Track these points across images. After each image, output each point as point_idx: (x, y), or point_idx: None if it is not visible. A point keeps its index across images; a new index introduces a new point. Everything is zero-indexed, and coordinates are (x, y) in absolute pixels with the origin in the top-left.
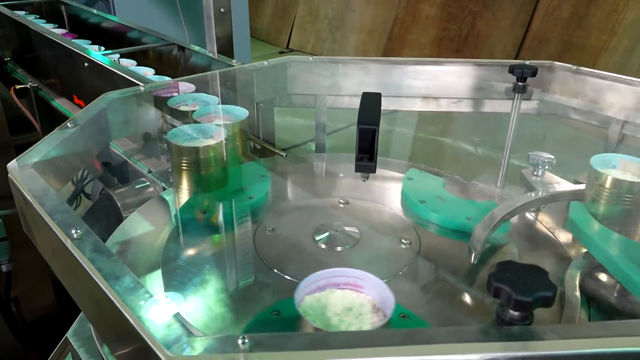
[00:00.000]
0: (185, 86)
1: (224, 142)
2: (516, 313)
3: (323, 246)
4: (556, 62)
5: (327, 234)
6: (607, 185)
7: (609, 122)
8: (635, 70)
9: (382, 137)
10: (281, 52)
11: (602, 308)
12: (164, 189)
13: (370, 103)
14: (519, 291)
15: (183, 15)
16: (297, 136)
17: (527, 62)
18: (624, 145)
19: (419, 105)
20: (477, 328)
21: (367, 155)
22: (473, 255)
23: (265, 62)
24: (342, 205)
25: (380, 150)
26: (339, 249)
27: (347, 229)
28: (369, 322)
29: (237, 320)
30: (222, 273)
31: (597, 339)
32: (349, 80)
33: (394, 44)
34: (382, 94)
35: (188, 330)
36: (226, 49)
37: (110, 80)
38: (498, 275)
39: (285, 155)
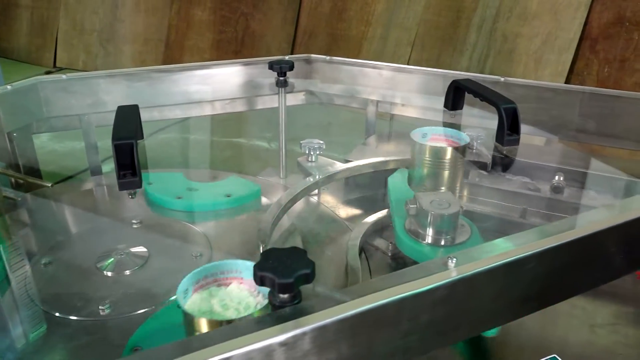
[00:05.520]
0: None
1: None
2: (285, 295)
3: (108, 273)
4: (312, 55)
5: (111, 259)
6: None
7: (367, 104)
8: (391, 54)
9: (178, 146)
10: (48, 72)
11: (381, 268)
12: None
13: (126, 116)
14: (280, 275)
15: None
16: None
17: (287, 57)
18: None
19: (194, 111)
20: (251, 319)
21: (129, 171)
22: (261, 247)
23: (9, 87)
24: (136, 226)
25: (177, 159)
26: (127, 272)
27: (134, 250)
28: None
29: None
30: None
31: (360, 299)
32: (113, 95)
33: (173, 52)
34: (154, 104)
35: None
36: None
37: None
38: (261, 264)
39: (52, 185)
